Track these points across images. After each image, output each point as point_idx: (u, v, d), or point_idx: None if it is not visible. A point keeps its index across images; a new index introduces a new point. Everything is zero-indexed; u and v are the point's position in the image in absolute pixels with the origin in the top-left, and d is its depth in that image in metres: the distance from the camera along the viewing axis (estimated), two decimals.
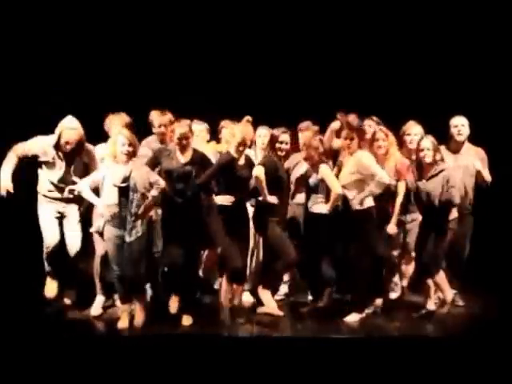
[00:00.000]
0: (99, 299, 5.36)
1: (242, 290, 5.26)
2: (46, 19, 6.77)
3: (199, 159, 4.98)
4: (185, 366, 4.58)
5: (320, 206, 5.14)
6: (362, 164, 5.05)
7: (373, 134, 5.34)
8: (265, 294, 5.09)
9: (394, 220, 5.23)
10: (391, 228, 5.23)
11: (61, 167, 5.13)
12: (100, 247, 5.24)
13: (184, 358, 4.62)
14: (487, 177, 5.52)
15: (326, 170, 5.11)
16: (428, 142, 5.11)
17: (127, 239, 4.80)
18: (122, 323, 4.91)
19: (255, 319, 5.13)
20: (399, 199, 5.23)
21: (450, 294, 5.26)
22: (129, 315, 4.94)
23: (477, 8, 6.76)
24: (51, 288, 5.26)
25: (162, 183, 4.85)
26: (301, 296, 5.73)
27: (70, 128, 5.07)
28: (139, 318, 4.93)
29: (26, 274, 5.84)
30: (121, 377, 4.54)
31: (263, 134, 5.51)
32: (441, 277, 5.22)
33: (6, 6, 6.62)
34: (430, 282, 5.30)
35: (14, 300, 5.56)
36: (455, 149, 5.61)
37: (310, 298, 5.60)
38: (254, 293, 5.48)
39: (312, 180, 5.17)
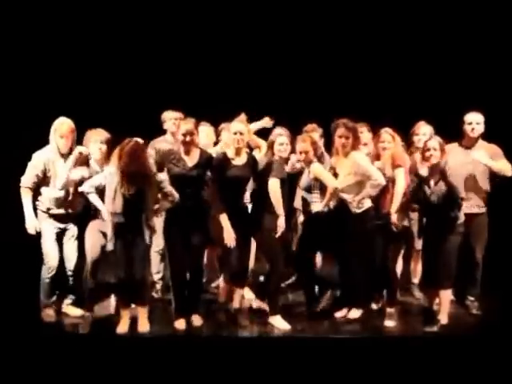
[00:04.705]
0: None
1: (242, 292, 5.20)
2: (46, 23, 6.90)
3: (206, 161, 4.94)
4: (184, 367, 4.60)
5: (317, 205, 5.11)
6: (358, 165, 4.99)
7: (378, 135, 5.22)
8: (275, 320, 4.99)
9: (394, 208, 4.98)
10: (394, 218, 4.99)
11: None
12: None
13: (184, 359, 4.64)
14: (493, 166, 5.23)
15: (318, 168, 5.04)
16: (435, 142, 4.95)
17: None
18: (121, 328, 4.84)
19: (255, 319, 5.14)
20: (399, 187, 5.00)
21: (445, 317, 5.02)
22: (129, 320, 4.87)
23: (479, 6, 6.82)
24: (49, 314, 5.21)
25: (176, 196, 4.81)
26: (300, 296, 5.68)
27: (61, 123, 5.10)
28: (143, 325, 4.89)
29: (24, 274, 5.84)
30: (121, 378, 4.57)
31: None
32: (447, 295, 5.02)
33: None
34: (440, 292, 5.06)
35: (12, 300, 5.56)
36: (468, 145, 5.39)
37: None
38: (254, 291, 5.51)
39: (305, 180, 5.14)
